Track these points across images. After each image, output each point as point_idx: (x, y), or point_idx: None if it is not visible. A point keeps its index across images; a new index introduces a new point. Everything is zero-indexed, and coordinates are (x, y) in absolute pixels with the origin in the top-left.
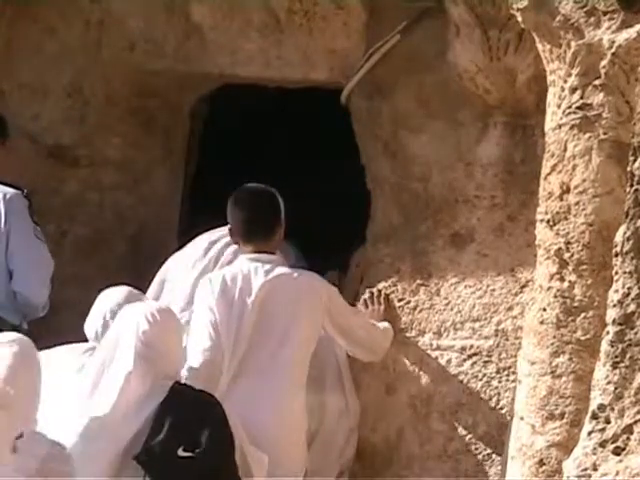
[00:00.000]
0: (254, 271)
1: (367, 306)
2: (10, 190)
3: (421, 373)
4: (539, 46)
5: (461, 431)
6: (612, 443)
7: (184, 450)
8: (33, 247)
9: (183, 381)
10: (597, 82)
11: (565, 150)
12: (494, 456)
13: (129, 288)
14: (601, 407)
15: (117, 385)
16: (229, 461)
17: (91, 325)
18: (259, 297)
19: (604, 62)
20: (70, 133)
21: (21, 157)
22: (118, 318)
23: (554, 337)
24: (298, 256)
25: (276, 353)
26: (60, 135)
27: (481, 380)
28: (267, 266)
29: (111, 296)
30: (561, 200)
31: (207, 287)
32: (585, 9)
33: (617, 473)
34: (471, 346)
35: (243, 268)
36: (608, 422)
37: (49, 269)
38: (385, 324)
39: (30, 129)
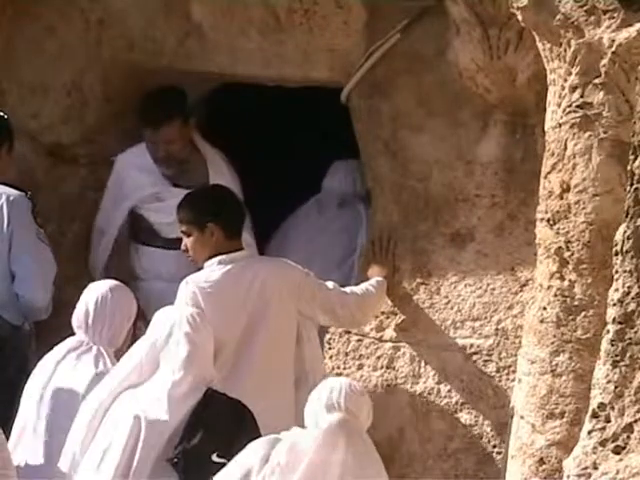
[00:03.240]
0: (242, 268)
1: (374, 254)
2: (14, 192)
3: (421, 372)
4: (539, 45)
5: (461, 430)
6: (612, 442)
7: (218, 456)
8: (36, 250)
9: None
10: (597, 81)
11: (565, 149)
12: (494, 455)
13: (114, 281)
14: (601, 406)
15: (165, 385)
16: None
17: (76, 317)
18: (248, 294)
19: (604, 61)
20: (70, 132)
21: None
22: (154, 321)
23: (554, 336)
24: None
25: (268, 346)
26: (60, 134)
27: (481, 379)
28: (248, 261)
29: (96, 288)
30: (561, 199)
31: (186, 290)
32: (585, 8)
33: (617, 472)
34: (471, 345)
35: (231, 268)
36: (608, 421)
37: (52, 272)
38: (374, 284)
39: (30, 128)
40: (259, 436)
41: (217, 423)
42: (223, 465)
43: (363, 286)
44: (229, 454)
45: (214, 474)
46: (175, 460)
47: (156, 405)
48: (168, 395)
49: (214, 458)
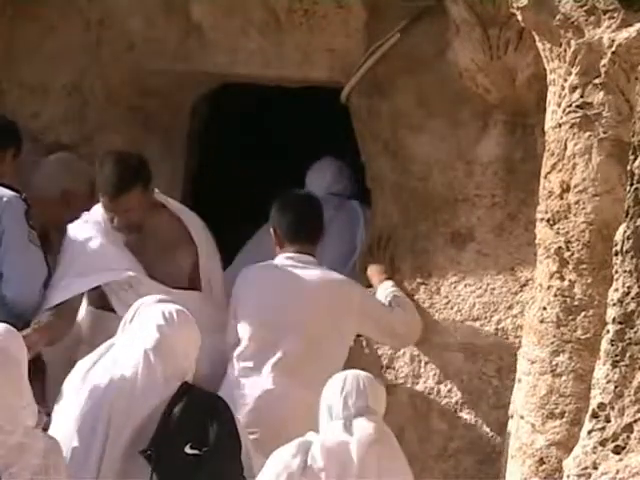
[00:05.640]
0: (292, 270)
1: (374, 254)
2: (8, 193)
3: (421, 372)
4: (539, 45)
5: (461, 430)
6: (612, 442)
7: (191, 447)
8: (26, 251)
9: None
10: (597, 81)
11: (565, 149)
12: (494, 455)
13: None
14: (601, 406)
15: (126, 370)
16: (234, 461)
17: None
18: (291, 295)
19: (604, 61)
20: (70, 132)
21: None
22: (138, 314)
23: (554, 336)
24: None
25: (298, 350)
26: (60, 134)
27: (481, 379)
28: (304, 267)
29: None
30: (561, 199)
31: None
32: (585, 8)
33: (617, 472)
34: (471, 345)
35: (280, 266)
36: (608, 421)
37: (41, 274)
38: (408, 306)
39: (30, 128)
40: (234, 430)
41: (191, 415)
42: (196, 456)
43: (402, 302)
44: (202, 446)
45: (187, 465)
46: (148, 452)
47: (127, 392)
48: (139, 383)
49: (187, 449)
